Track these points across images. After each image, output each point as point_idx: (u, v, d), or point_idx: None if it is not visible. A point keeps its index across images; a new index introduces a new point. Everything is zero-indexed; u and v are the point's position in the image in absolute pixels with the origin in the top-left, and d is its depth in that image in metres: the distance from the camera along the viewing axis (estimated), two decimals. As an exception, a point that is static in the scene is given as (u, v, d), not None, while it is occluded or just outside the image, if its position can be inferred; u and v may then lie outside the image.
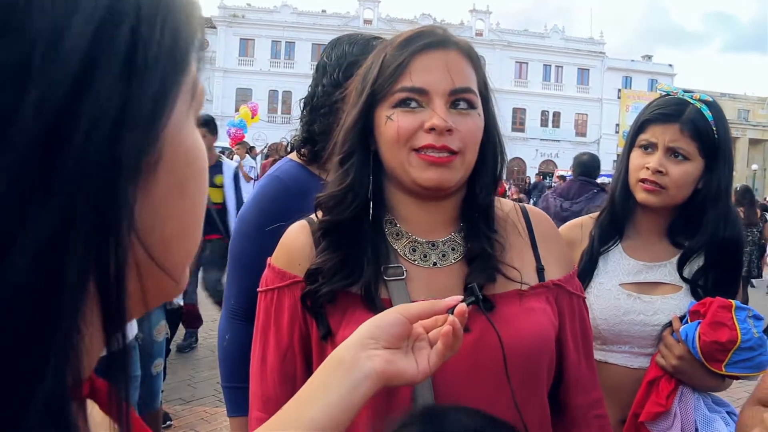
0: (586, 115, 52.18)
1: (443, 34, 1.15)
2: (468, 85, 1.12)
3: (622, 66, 53.78)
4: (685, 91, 1.76)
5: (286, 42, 47.99)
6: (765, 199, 11.28)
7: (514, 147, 47.04)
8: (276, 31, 48.23)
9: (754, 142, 54.00)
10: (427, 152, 1.09)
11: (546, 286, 1.20)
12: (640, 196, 1.73)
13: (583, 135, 51.60)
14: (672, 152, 1.69)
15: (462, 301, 0.92)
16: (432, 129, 1.08)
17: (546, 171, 45.27)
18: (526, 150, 48.73)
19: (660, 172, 1.68)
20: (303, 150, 1.78)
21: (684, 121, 1.67)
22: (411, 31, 1.16)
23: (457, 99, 1.11)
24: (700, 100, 1.72)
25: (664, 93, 1.80)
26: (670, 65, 56.36)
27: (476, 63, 1.17)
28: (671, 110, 1.70)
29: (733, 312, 1.56)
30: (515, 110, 50.39)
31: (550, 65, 52.71)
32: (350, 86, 1.22)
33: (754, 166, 48.59)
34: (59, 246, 0.32)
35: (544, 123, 51.93)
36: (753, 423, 1.24)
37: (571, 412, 1.25)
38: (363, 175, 1.15)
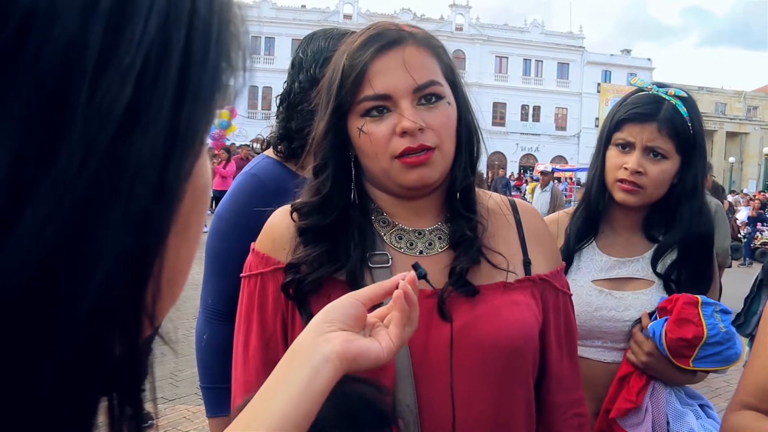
0: (566, 109, 52.42)
1: (396, 32, 1.13)
2: (430, 78, 1.11)
3: (601, 60, 54.02)
4: (660, 86, 1.75)
5: (266, 37, 47.70)
6: (742, 191, 11.46)
7: (494, 141, 47.04)
8: (255, 27, 47.84)
9: (731, 135, 54.50)
10: (406, 156, 1.09)
11: (532, 279, 1.19)
12: (619, 195, 1.72)
13: (563, 129, 51.85)
14: (650, 151, 1.68)
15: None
16: (404, 132, 1.08)
17: (527, 165, 45.49)
18: (506, 144, 48.82)
19: (639, 172, 1.67)
20: (280, 147, 1.77)
21: (661, 120, 1.67)
22: (364, 34, 1.14)
23: (423, 95, 1.10)
24: (675, 96, 1.71)
25: (638, 88, 1.78)
26: (649, 59, 56.71)
27: (437, 51, 1.15)
28: (648, 109, 1.69)
29: (699, 308, 1.56)
30: (495, 104, 50.49)
31: (530, 59, 52.84)
32: (318, 91, 1.21)
33: (732, 159, 49.04)
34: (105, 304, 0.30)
35: (524, 117, 52.07)
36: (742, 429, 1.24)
37: (550, 409, 1.24)
38: (340, 184, 1.15)
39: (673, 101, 1.70)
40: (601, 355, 1.72)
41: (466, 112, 1.18)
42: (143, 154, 0.30)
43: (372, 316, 0.88)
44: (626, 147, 1.71)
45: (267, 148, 1.84)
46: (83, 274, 0.29)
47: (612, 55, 55.97)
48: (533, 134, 51.13)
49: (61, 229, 0.27)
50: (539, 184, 11.23)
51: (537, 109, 52.48)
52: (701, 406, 1.69)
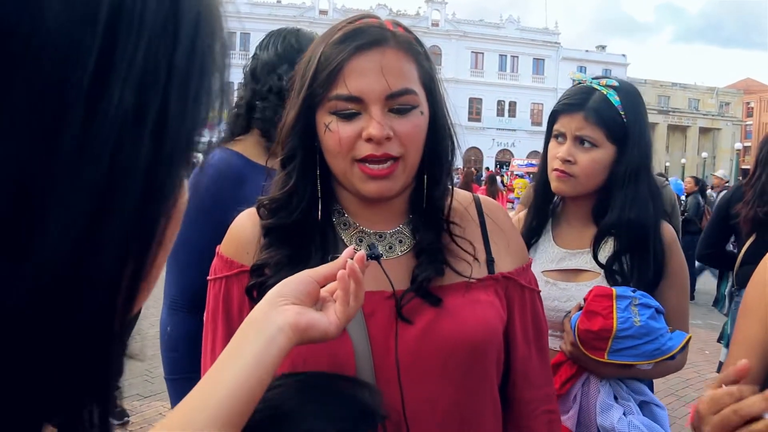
0: (542, 104, 52.65)
1: (379, 31, 1.08)
2: (405, 86, 1.07)
3: (576, 56, 54.36)
4: (594, 78, 1.80)
5: (242, 33, 47.34)
6: (711, 187, 11.58)
7: (470, 137, 47.25)
8: (231, 22, 47.30)
9: (704, 131, 55.21)
10: (368, 164, 1.06)
11: (495, 278, 1.18)
12: (553, 184, 1.77)
13: (539, 124, 52.00)
14: (579, 140, 1.72)
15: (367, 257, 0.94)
16: (370, 138, 1.05)
17: (503, 160, 45.71)
18: (482, 140, 49.03)
19: (569, 161, 1.71)
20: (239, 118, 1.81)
21: (588, 109, 1.71)
22: (345, 27, 1.10)
23: (395, 102, 1.07)
24: (607, 86, 1.74)
25: (576, 82, 1.83)
26: (624, 55, 57.30)
27: (417, 56, 1.11)
28: (576, 99, 1.75)
29: (613, 300, 1.54)
30: (471, 100, 50.69)
31: (505, 55, 53.09)
32: (292, 78, 1.20)
33: (704, 154, 49.62)
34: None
35: (500, 112, 52.31)
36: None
37: (518, 406, 1.23)
38: (306, 176, 1.12)
39: (605, 91, 1.73)
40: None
41: (443, 119, 1.15)
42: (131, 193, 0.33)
43: (324, 291, 0.93)
44: (560, 137, 1.77)
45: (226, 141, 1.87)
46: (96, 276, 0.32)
47: (587, 51, 56.49)
48: (509, 129, 51.38)
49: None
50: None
51: (513, 105, 52.74)
52: (646, 402, 1.67)
